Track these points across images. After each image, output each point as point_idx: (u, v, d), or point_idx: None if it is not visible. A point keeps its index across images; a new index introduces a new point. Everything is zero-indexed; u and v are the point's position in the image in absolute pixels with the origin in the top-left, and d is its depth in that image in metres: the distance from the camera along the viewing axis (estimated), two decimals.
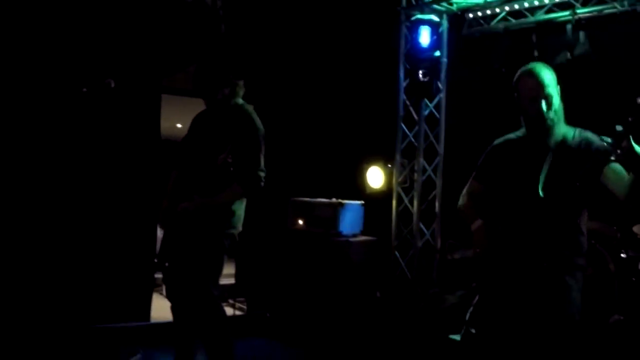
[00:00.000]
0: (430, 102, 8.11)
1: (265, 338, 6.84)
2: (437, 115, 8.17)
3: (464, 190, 4.34)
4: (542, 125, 3.89)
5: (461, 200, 4.32)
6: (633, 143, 3.19)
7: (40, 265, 6.24)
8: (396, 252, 8.23)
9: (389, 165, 8.35)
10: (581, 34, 7.09)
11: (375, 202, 8.12)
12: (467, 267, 7.08)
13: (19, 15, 6.30)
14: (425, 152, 8.16)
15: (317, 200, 7.51)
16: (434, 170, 8.15)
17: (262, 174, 4.90)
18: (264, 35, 7.87)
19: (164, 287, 6.37)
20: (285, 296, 7.43)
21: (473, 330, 5.52)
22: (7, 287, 6.11)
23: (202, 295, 4.91)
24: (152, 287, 7.01)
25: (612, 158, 3.50)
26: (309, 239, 7.38)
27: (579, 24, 7.15)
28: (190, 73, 5.26)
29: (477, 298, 5.09)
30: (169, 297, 5.25)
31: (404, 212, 8.27)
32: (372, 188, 8.38)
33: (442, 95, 8.12)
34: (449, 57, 8.05)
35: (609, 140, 3.36)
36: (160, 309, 6.76)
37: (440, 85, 8.07)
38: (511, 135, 4.20)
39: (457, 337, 6.05)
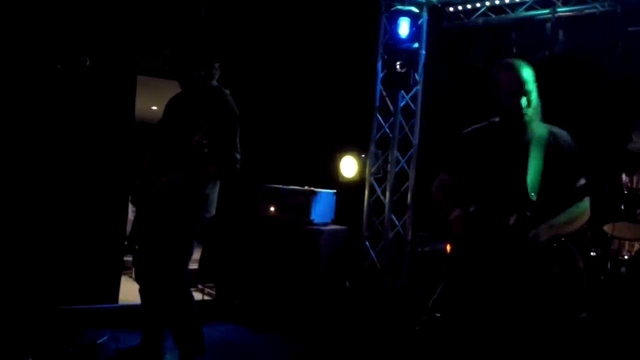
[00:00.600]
0: (407, 93, 8.11)
1: (233, 323, 6.82)
2: (413, 107, 8.17)
3: (435, 182, 4.34)
4: (520, 120, 3.90)
5: (434, 191, 4.31)
6: None
7: (7, 246, 6.17)
8: (367, 243, 8.25)
9: (363, 156, 8.35)
10: (560, 32, 7.12)
11: (348, 192, 8.12)
12: (437, 260, 7.10)
13: None
14: (399, 144, 8.17)
15: (289, 187, 7.49)
16: (408, 162, 8.15)
17: (238, 156, 4.88)
18: (243, 21, 7.82)
19: (133, 270, 6.35)
20: (254, 282, 7.41)
21: (437, 315, 5.55)
22: None
23: (171, 278, 4.89)
24: (121, 269, 6.97)
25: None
26: (279, 226, 7.36)
27: (558, 22, 7.19)
28: (166, 55, 5.23)
29: (442, 285, 5.11)
30: (137, 279, 5.23)
31: (376, 203, 8.29)
32: (345, 177, 8.37)
33: (418, 87, 8.12)
34: (427, 49, 8.04)
35: None
36: (129, 291, 6.73)
37: (417, 77, 8.06)
38: (479, 126, 4.21)
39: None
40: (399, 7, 7.83)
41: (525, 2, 7.53)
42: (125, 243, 6.84)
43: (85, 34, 6.43)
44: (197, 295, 7.29)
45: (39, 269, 6.30)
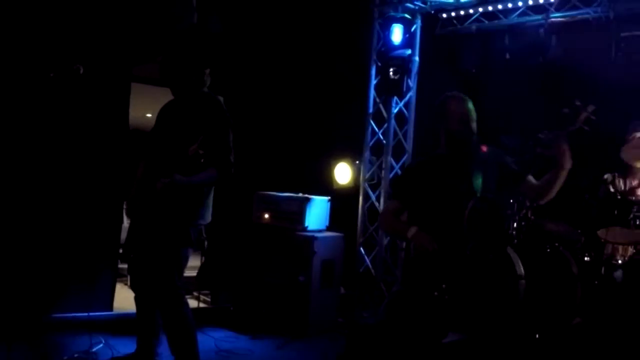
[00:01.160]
0: (400, 100, 8.12)
1: (228, 330, 6.82)
2: (406, 114, 8.18)
3: (383, 210, 4.75)
4: (469, 144, 4.38)
5: (383, 219, 4.64)
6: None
7: (2, 254, 6.16)
8: (361, 249, 8.25)
9: (357, 162, 8.35)
10: (553, 38, 7.15)
11: (342, 198, 8.12)
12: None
13: None
14: (393, 150, 8.18)
15: (283, 194, 7.49)
16: (402, 168, 8.15)
17: (233, 160, 4.90)
18: (236, 27, 7.82)
19: (128, 277, 6.35)
20: (249, 289, 7.41)
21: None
22: None
23: (166, 286, 4.89)
24: (115, 277, 6.95)
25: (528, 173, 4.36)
26: (274, 233, 7.36)
27: (551, 28, 7.22)
28: (159, 63, 5.23)
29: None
30: (132, 287, 5.23)
31: (371, 209, 8.29)
32: (340, 184, 8.37)
33: (412, 93, 8.13)
34: (420, 56, 8.06)
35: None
36: (124, 299, 6.72)
37: (410, 83, 8.07)
38: (422, 159, 4.72)
39: None
40: (392, 14, 7.86)
41: (518, 8, 7.56)
42: (120, 251, 6.84)
43: (78, 42, 6.43)
44: (193, 303, 7.30)
45: (34, 276, 6.29)
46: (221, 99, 5.11)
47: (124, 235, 6.13)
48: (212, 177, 4.85)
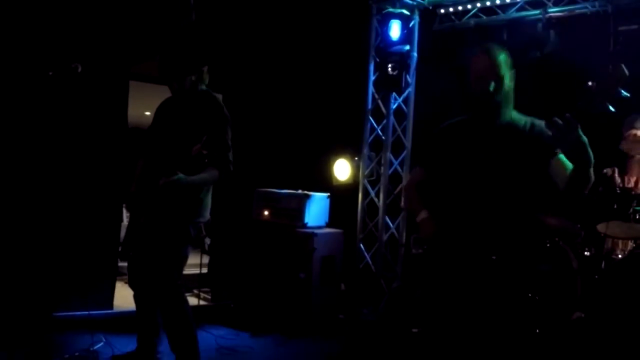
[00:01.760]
0: (399, 96, 8.11)
1: (229, 328, 6.82)
2: (405, 110, 8.17)
3: (407, 182, 4.25)
4: (488, 106, 3.77)
5: (406, 188, 4.23)
6: (580, 132, 3.30)
7: (2, 253, 6.16)
8: (361, 245, 8.25)
9: (356, 158, 8.34)
10: (551, 33, 7.15)
11: (342, 195, 8.12)
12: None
13: None
14: (392, 146, 8.17)
15: (282, 191, 7.50)
16: (401, 164, 8.15)
17: (231, 159, 4.89)
18: (234, 24, 7.82)
19: (127, 276, 6.34)
20: (249, 287, 7.42)
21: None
22: None
23: (166, 284, 4.89)
24: (115, 275, 6.95)
25: (558, 150, 3.53)
26: (274, 230, 7.36)
27: (549, 22, 7.21)
28: (157, 60, 5.22)
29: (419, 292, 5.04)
30: (131, 285, 5.23)
31: (370, 206, 8.29)
32: (339, 180, 8.37)
33: (410, 89, 8.13)
34: (418, 51, 8.05)
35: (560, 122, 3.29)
36: (123, 297, 6.72)
37: (409, 79, 8.07)
38: (454, 120, 4.08)
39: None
40: (390, 9, 7.84)
41: (516, 3, 7.55)
42: (120, 249, 6.84)
43: (76, 40, 6.42)
44: (193, 300, 7.30)
45: (33, 275, 6.29)
46: (220, 96, 5.10)
47: (123, 233, 6.13)
48: (214, 177, 4.84)
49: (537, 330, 6.04)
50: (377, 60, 8.12)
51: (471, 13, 7.98)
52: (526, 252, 3.84)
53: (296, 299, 6.99)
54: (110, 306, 6.77)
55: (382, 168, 8.16)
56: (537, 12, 7.37)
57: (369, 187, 8.30)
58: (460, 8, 8.03)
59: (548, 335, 6.00)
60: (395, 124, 8.16)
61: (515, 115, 3.87)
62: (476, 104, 3.81)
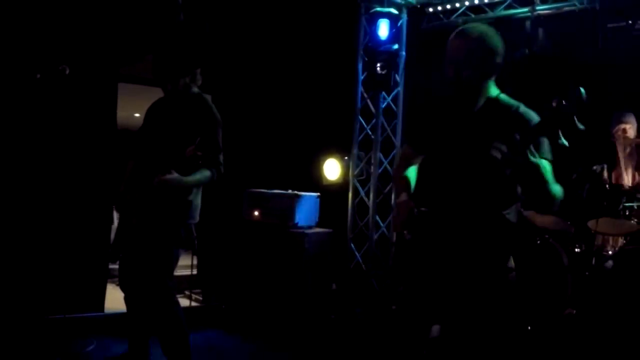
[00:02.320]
0: (388, 95, 8.13)
1: (220, 330, 6.81)
2: (395, 109, 8.19)
3: (397, 161, 4.20)
4: (461, 91, 3.65)
5: (395, 167, 4.15)
6: (530, 156, 3.25)
7: None
8: (352, 244, 8.26)
9: (346, 158, 8.35)
10: (540, 30, 7.17)
11: (332, 194, 8.12)
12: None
13: None
14: (382, 145, 8.19)
15: (272, 191, 7.49)
16: (391, 163, 8.16)
17: (222, 160, 4.89)
18: (223, 24, 7.81)
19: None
20: (241, 288, 7.41)
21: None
22: None
23: (157, 286, 4.87)
24: (106, 277, 6.94)
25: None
26: (264, 230, 7.36)
27: (538, 20, 7.24)
28: (148, 62, 5.21)
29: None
30: (122, 287, 5.20)
31: (360, 205, 8.30)
32: (329, 180, 8.38)
33: (399, 88, 8.14)
34: (407, 50, 8.07)
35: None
36: (115, 299, 6.69)
37: (398, 78, 8.08)
38: (443, 97, 3.87)
39: None
40: (378, 8, 7.85)
41: (505, 1, 7.58)
42: (110, 251, 6.82)
43: (64, 42, 6.40)
44: (185, 302, 7.29)
45: (24, 278, 6.27)
46: (209, 97, 5.09)
47: (113, 235, 6.11)
48: (207, 178, 4.83)
49: (529, 327, 6.06)
50: (366, 59, 8.14)
51: (459, 11, 8.00)
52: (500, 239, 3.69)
53: (287, 300, 6.99)
54: (102, 308, 6.74)
55: (371, 167, 8.17)
56: (526, 9, 7.40)
57: (358, 186, 8.31)
58: (448, 6, 8.05)
59: (539, 331, 6.01)
60: (385, 123, 8.17)
61: (496, 93, 3.70)
62: (452, 87, 3.68)
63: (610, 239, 6.45)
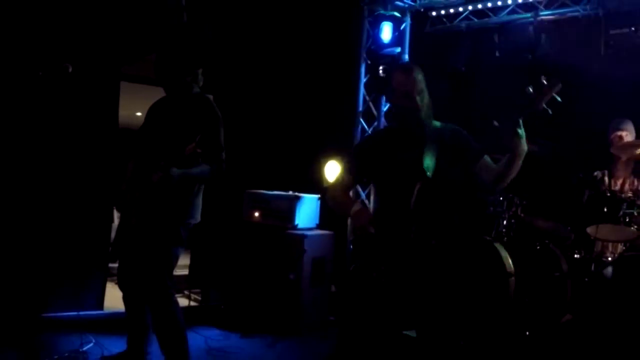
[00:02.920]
0: None
1: (219, 329, 6.81)
2: None
3: (331, 183, 4.53)
4: (416, 118, 4.12)
5: (331, 190, 4.46)
6: (521, 130, 3.71)
7: None
8: (352, 247, 8.24)
9: None
10: (542, 36, 7.18)
11: None
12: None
13: None
14: None
15: (273, 192, 7.48)
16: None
17: (224, 157, 4.90)
18: (226, 25, 7.81)
19: None
20: (240, 288, 7.41)
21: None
22: None
23: (157, 285, 4.88)
24: (106, 276, 6.94)
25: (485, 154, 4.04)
26: (264, 232, 7.35)
27: (541, 26, 7.24)
28: (150, 61, 5.21)
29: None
30: (121, 286, 5.21)
31: None
32: (330, 182, 8.36)
33: None
34: (410, 54, 8.06)
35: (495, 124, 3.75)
36: (114, 298, 6.69)
37: None
38: (376, 132, 4.78)
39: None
40: (382, 11, 7.86)
41: (508, 6, 7.58)
42: (110, 250, 6.82)
43: (67, 40, 6.41)
44: (184, 301, 7.29)
45: (24, 276, 6.27)
46: (210, 97, 5.10)
47: (114, 234, 6.11)
48: (206, 173, 4.83)
49: (527, 333, 6.06)
50: (369, 62, 8.15)
51: (463, 16, 8.01)
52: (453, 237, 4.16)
53: (286, 301, 6.98)
54: (101, 307, 6.75)
55: None
56: (529, 15, 7.40)
57: (359, 188, 8.30)
58: (452, 11, 8.05)
59: (537, 337, 6.01)
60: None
61: (436, 123, 4.25)
62: (405, 117, 4.19)
63: (610, 245, 6.44)
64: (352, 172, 4.44)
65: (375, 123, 8.18)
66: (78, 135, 6.61)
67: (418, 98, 4.09)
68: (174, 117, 5.01)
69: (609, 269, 6.06)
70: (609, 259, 6.27)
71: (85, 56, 6.46)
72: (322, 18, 8.24)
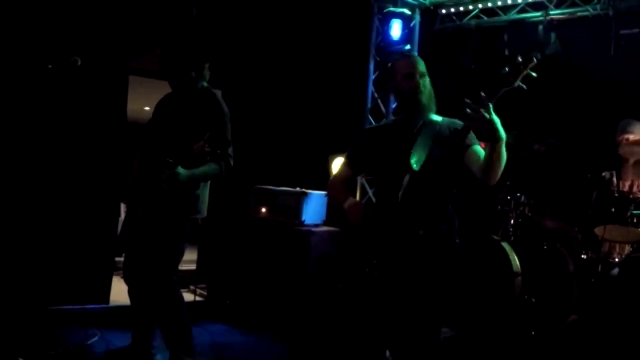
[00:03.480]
0: None
1: (224, 324, 6.81)
2: None
3: (335, 174, 4.53)
4: (416, 101, 4.09)
5: (331, 183, 4.48)
6: (493, 115, 3.59)
7: None
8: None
9: None
10: (552, 35, 7.16)
11: None
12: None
13: None
14: None
15: (280, 188, 7.47)
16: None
17: (232, 153, 4.89)
18: (235, 20, 7.80)
19: None
20: (246, 283, 7.40)
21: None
22: None
23: (162, 280, 4.88)
24: (112, 269, 6.95)
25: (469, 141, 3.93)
26: (271, 228, 7.34)
27: (550, 25, 7.22)
28: (158, 55, 5.21)
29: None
30: (126, 280, 5.21)
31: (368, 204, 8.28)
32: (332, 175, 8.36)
33: None
34: (419, 51, 8.04)
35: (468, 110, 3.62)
36: (120, 292, 6.69)
37: None
38: (382, 123, 4.62)
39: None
40: (391, 9, 7.85)
41: (518, 5, 7.56)
42: (116, 243, 6.83)
43: (76, 34, 6.41)
44: (189, 296, 7.30)
45: (30, 269, 6.28)
46: (219, 92, 5.09)
47: (120, 228, 6.12)
48: (215, 171, 4.82)
49: (533, 332, 6.05)
50: (377, 59, 8.15)
51: (472, 14, 7.99)
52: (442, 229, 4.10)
53: (292, 297, 6.98)
54: (107, 300, 6.75)
55: None
56: (539, 14, 7.39)
57: (366, 185, 8.30)
58: (461, 8, 8.04)
59: (543, 337, 6.00)
60: None
61: (435, 116, 4.21)
62: (405, 101, 4.16)
63: (617, 246, 6.42)
64: (350, 164, 4.48)
65: (383, 120, 8.15)
66: (86, 128, 6.62)
67: (420, 81, 4.08)
68: (180, 112, 5.00)
69: (616, 270, 6.05)
70: (616, 260, 6.25)
71: (94, 50, 6.46)
72: (332, 15, 8.23)
